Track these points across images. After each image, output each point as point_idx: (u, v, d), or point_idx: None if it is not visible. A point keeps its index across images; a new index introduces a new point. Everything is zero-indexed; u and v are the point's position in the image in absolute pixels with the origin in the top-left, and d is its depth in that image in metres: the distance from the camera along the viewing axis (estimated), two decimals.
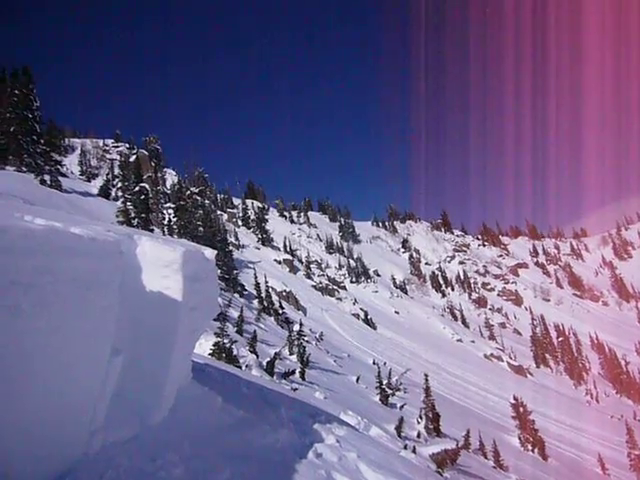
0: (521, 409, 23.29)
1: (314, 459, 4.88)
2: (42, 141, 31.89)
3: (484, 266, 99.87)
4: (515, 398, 23.96)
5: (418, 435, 14.04)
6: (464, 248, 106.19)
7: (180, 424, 4.36)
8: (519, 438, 21.84)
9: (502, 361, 56.10)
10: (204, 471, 3.75)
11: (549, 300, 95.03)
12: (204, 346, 12.43)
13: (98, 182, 41.20)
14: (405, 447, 9.88)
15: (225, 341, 13.07)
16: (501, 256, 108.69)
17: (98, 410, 3.41)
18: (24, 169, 29.84)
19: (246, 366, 12.80)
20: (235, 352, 13.34)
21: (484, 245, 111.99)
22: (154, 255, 4.25)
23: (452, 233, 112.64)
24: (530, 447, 21.30)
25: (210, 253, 5.05)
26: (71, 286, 2.92)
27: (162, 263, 4.22)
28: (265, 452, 4.67)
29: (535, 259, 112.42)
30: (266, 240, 58.69)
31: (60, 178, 31.77)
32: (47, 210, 4.54)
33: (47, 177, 29.83)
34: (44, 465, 2.83)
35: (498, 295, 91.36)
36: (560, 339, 70.10)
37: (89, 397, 3.27)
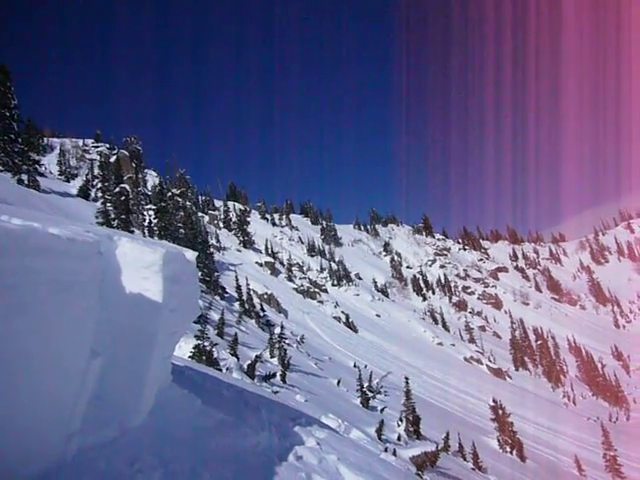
0: (500, 411, 23.51)
1: (294, 462, 4.87)
2: (20, 140, 31.44)
3: (465, 270, 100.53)
4: (494, 400, 24.20)
5: (398, 438, 14.10)
6: (445, 252, 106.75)
7: (159, 427, 4.32)
8: (498, 440, 22.03)
9: (482, 364, 56.48)
10: (183, 474, 3.72)
11: (528, 304, 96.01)
12: (184, 349, 12.36)
13: (77, 182, 40.70)
14: (385, 450, 9.91)
15: (206, 344, 13.02)
16: (481, 260, 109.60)
17: (75, 413, 3.36)
18: (1, 168, 29.39)
19: (227, 369, 12.75)
20: (216, 355, 13.29)
21: (465, 249, 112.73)
22: (134, 256, 4.21)
23: (433, 237, 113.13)
24: (508, 449, 21.51)
25: (191, 255, 5.02)
26: (49, 287, 2.88)
27: (142, 264, 4.18)
28: (245, 455, 4.65)
29: (515, 263, 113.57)
30: (247, 242, 58.46)
31: (38, 178, 31.37)
32: (24, 210, 4.48)
33: (25, 177, 29.43)
34: (18, 471, 2.78)
35: (478, 299, 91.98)
36: (539, 342, 70.88)
37: (66, 400, 3.22)
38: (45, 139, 53.97)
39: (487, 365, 56.61)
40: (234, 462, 4.35)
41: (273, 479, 4.22)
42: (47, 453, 3.06)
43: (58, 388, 3.09)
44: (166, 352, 4.90)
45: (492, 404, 24.09)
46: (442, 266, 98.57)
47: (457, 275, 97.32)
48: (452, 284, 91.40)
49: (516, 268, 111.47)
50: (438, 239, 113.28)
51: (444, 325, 70.12)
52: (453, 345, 59.95)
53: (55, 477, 2.99)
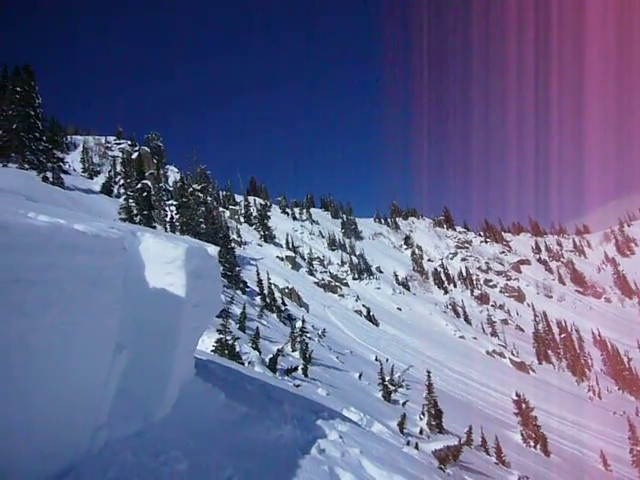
0: (523, 405, 23.30)
1: (317, 455, 4.89)
2: (44, 138, 31.95)
3: (486, 263, 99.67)
4: (517, 394, 23.97)
5: (420, 432, 14.07)
6: (466, 245, 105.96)
7: (183, 420, 4.37)
8: (521, 434, 21.85)
9: (504, 357, 56.05)
10: (207, 467, 3.76)
11: (551, 297, 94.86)
12: (207, 343, 12.45)
13: (100, 179, 41.22)
14: (408, 443, 9.91)
15: (228, 338, 13.09)
16: (503, 253, 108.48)
17: (102, 406, 3.42)
18: (26, 166, 29.91)
19: (249, 363, 12.82)
20: (238, 349, 13.36)
21: (486, 242, 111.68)
22: (157, 252, 4.26)
23: (454, 230, 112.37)
24: (532, 443, 21.32)
25: (213, 250, 5.06)
26: (75, 283, 2.92)
27: (165, 260, 4.22)
28: (268, 448, 4.68)
29: (537, 256, 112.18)
30: (268, 237, 58.67)
31: (62, 175, 31.87)
32: (50, 207, 4.55)
33: (49, 174, 29.91)
34: (48, 462, 2.84)
35: (500, 292, 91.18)
36: (562, 335, 70.03)
37: (93, 393, 3.29)
38: (68, 137, 54.68)
39: (510, 358, 56.16)
40: (258, 455, 4.39)
41: (296, 472, 4.25)
42: (75, 445, 3.12)
43: (85, 381, 3.15)
44: (189, 346, 4.96)
45: (515, 398, 23.87)
46: (463, 259, 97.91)
47: (479, 268, 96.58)
48: (474, 277, 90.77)
49: (539, 261, 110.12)
50: (459, 232, 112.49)
51: (466, 318, 69.72)
52: (475, 338, 59.59)
53: (84, 469, 3.06)
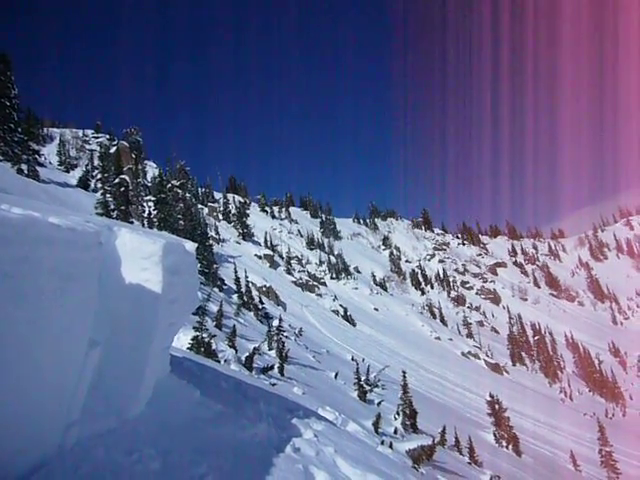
0: (497, 406, 23.58)
1: (292, 453, 4.89)
2: (20, 130, 31.33)
3: (463, 265, 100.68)
4: (491, 395, 24.25)
5: (395, 431, 14.13)
6: (444, 247, 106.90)
7: (158, 417, 4.33)
8: (494, 435, 22.10)
9: (479, 359, 56.70)
10: (181, 465, 3.73)
11: (526, 299, 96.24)
12: (182, 340, 12.39)
13: (77, 173, 40.70)
14: (382, 443, 9.95)
15: (204, 335, 13.03)
16: (480, 255, 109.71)
17: (74, 403, 3.36)
18: (1, 158, 29.32)
19: (225, 361, 12.77)
20: (214, 346, 13.31)
21: (464, 244, 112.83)
22: (134, 247, 4.21)
23: (432, 231, 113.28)
24: (505, 443, 21.58)
25: (190, 246, 5.02)
26: (49, 277, 2.87)
27: (142, 255, 4.18)
28: (243, 446, 4.66)
29: (514, 259, 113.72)
30: (247, 235, 58.50)
31: (38, 168, 31.34)
32: (24, 199, 4.47)
33: (24, 166, 29.38)
34: (18, 458, 2.79)
35: (477, 294, 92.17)
36: (536, 338, 71.12)
37: (65, 389, 3.23)
38: (45, 129, 53.89)
39: (484, 360, 56.82)
40: (232, 453, 4.37)
41: (271, 470, 4.24)
42: (46, 442, 3.07)
43: (57, 377, 3.09)
44: (165, 343, 4.91)
45: (489, 399, 24.14)
46: (441, 261, 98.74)
47: (456, 270, 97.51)
48: (451, 279, 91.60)
49: (515, 264, 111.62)
50: (437, 234, 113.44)
51: (442, 320, 70.34)
52: (451, 340, 60.16)
53: (55, 466, 3.00)
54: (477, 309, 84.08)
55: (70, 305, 3.11)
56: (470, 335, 66.48)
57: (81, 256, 3.21)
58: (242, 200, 65.08)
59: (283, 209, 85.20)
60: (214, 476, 3.72)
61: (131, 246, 4.22)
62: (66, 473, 3.01)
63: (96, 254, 3.42)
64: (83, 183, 36.77)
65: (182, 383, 5.33)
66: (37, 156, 33.36)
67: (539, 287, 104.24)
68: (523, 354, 67.21)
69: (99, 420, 3.75)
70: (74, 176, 39.16)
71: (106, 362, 3.85)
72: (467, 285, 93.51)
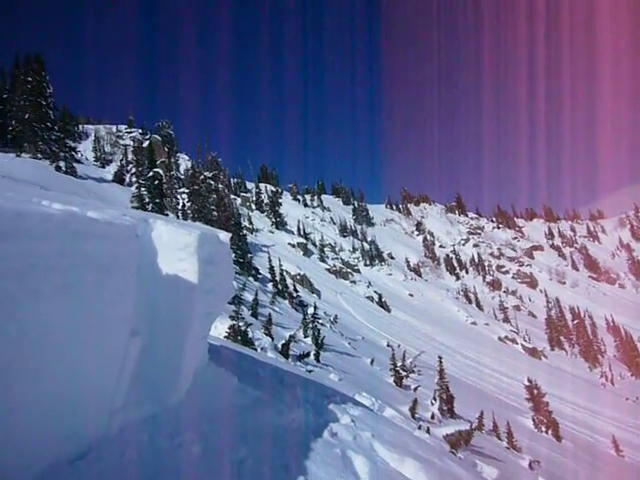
0: (535, 391, 23.26)
1: (330, 438, 4.95)
2: (56, 128, 32.10)
3: (498, 249, 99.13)
4: (529, 380, 23.93)
5: (432, 416, 14.10)
6: (478, 231, 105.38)
7: (197, 404, 4.44)
8: (533, 420, 21.83)
9: (516, 344, 55.92)
10: (221, 449, 3.83)
11: (564, 283, 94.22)
12: (219, 329, 12.56)
13: (112, 168, 41.50)
14: (419, 428, 9.96)
15: (240, 324, 13.20)
16: (516, 238, 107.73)
17: (118, 390, 3.49)
18: (39, 156, 30.11)
19: (261, 349, 12.92)
20: (250, 335, 13.46)
21: (499, 228, 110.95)
22: (170, 238, 4.30)
23: (466, 216, 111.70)
24: (544, 429, 21.30)
25: (225, 236, 5.10)
26: (89, 269, 2.97)
27: (178, 246, 4.27)
28: (281, 431, 4.75)
29: (550, 241, 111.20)
30: (280, 224, 58.78)
31: (75, 164, 32.09)
32: (63, 195, 4.60)
33: (62, 163, 30.12)
34: (68, 442, 2.91)
35: (513, 278, 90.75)
36: (575, 322, 69.63)
37: (109, 377, 3.36)
38: (80, 126, 54.87)
39: (522, 345, 56.03)
40: (271, 438, 4.46)
41: (309, 454, 4.31)
42: (93, 428, 3.20)
43: (101, 366, 3.21)
44: (202, 332, 5.02)
45: (527, 384, 23.82)
46: (475, 245, 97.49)
47: (491, 254, 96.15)
48: (486, 263, 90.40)
49: (552, 246, 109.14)
50: (471, 218, 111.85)
51: (478, 304, 69.59)
52: (487, 324, 59.50)
53: (102, 449, 3.13)
54: (513, 293, 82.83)
55: (110, 296, 3.21)
56: (507, 320, 65.62)
57: (119, 249, 3.31)
58: (274, 189, 65.22)
59: (315, 197, 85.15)
60: (253, 460, 3.80)
61: (167, 238, 4.31)
62: (113, 457, 3.13)
63: (133, 246, 3.52)
64: (118, 178, 37.51)
65: (220, 371, 5.44)
66: (74, 153, 34.12)
67: (577, 270, 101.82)
68: (562, 338, 66.00)
69: (142, 407, 3.87)
70: (109, 171, 39.96)
71: (146, 351, 3.96)
72: (503, 269, 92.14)
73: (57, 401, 2.78)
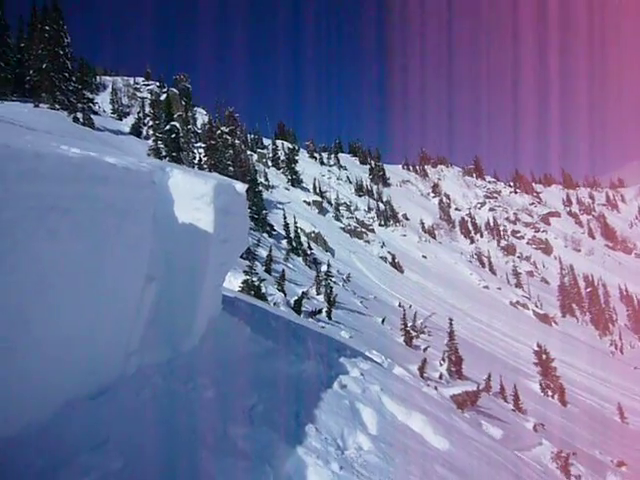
0: (544, 356, 23.38)
1: (339, 390, 5.04)
2: (74, 79, 31.94)
3: (515, 214, 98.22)
4: (538, 345, 24.03)
5: (440, 377, 14.27)
6: (495, 195, 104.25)
7: (211, 351, 4.54)
8: (540, 384, 22.01)
9: (528, 309, 55.98)
10: (233, 395, 3.93)
11: (580, 250, 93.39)
12: (233, 283, 12.69)
13: (129, 120, 41.37)
14: (427, 386, 10.10)
15: (254, 279, 13.31)
16: (533, 204, 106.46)
17: (134, 333, 3.57)
18: (57, 106, 30.04)
19: (274, 304, 13.05)
20: (263, 290, 13.59)
21: (516, 192, 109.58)
22: (186, 187, 4.32)
23: (484, 179, 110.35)
24: (551, 393, 21.50)
25: (241, 187, 5.10)
26: (107, 214, 3.00)
27: (194, 195, 4.28)
28: (292, 381, 4.85)
29: (568, 208, 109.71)
30: (296, 181, 58.56)
31: (92, 116, 32.00)
32: (82, 142, 4.61)
33: (80, 115, 30.04)
34: (85, 381, 3.00)
35: (528, 243, 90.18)
36: (588, 289, 69.33)
37: (125, 320, 3.43)
38: (97, 78, 54.54)
39: (533, 310, 56.08)
40: (281, 387, 4.56)
41: (319, 404, 4.40)
42: (110, 367, 3.28)
43: (117, 308, 3.28)
44: (217, 281, 5.08)
45: (536, 348, 23.95)
46: (492, 209, 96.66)
47: (507, 219, 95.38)
48: (501, 228, 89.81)
49: (569, 213, 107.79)
50: (489, 181, 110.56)
51: (491, 269, 69.48)
52: (499, 289, 59.50)
53: (118, 389, 3.23)
54: (527, 259, 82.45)
55: (127, 241, 3.25)
56: (519, 285, 65.53)
57: (136, 194, 3.32)
58: (291, 146, 64.64)
59: (332, 155, 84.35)
60: (264, 407, 3.89)
61: (183, 186, 4.33)
62: (129, 396, 3.22)
63: (150, 193, 3.54)
64: (135, 130, 37.44)
65: (234, 320, 5.53)
66: (91, 104, 34.07)
67: (594, 238, 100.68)
68: (574, 306, 65.88)
69: (156, 351, 3.96)
70: (127, 124, 39.85)
71: (161, 298, 4.03)
72: (518, 234, 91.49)
73: (75, 340, 2.85)
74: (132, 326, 3.53)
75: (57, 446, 2.50)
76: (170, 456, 2.81)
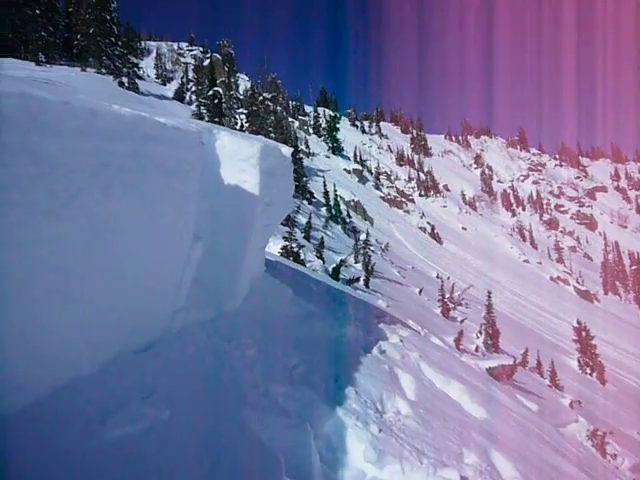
0: (583, 333, 23.01)
1: (378, 355, 5.09)
2: (119, 43, 32.12)
3: (559, 187, 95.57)
4: (578, 322, 23.63)
5: (476, 349, 14.23)
6: (539, 167, 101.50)
7: (253, 311, 4.62)
8: (578, 361, 21.72)
9: (569, 285, 54.86)
10: (275, 355, 4.01)
11: (626, 227, 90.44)
12: (273, 249, 12.82)
13: (173, 86, 41.65)
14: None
15: (293, 245, 13.43)
16: (579, 178, 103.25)
17: (180, 291, 3.66)
18: (103, 71, 30.39)
19: (313, 270, 13.16)
20: (302, 256, 13.71)
21: (561, 165, 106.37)
22: (233, 149, 4.35)
23: (528, 151, 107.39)
24: (589, 371, 21.21)
25: (287, 150, 5.11)
26: (157, 172, 3.05)
27: (240, 157, 4.31)
28: (332, 344, 4.91)
29: (616, 183, 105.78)
30: (336, 149, 58.24)
31: (137, 81, 32.29)
32: (129, 103, 4.68)
33: (125, 79, 30.36)
34: (132, 336, 3.09)
35: (571, 218, 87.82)
36: (633, 267, 67.28)
37: (172, 278, 3.51)
38: (142, 43, 54.79)
39: (574, 286, 54.92)
40: (322, 349, 4.63)
41: (358, 367, 4.46)
42: (156, 325, 3.38)
43: (165, 266, 3.35)
44: (261, 243, 5.15)
45: (576, 325, 23.56)
46: (535, 182, 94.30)
47: (550, 192, 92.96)
48: (544, 201, 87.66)
49: (617, 189, 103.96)
50: (533, 154, 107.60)
51: (532, 243, 68.18)
52: (540, 263, 58.41)
53: (165, 344, 3.33)
54: (570, 234, 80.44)
55: (176, 200, 3.30)
56: (561, 260, 64.18)
57: (185, 154, 3.36)
58: (332, 114, 64.02)
59: (373, 124, 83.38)
60: (305, 367, 3.97)
61: (230, 148, 4.36)
62: (175, 351, 3.32)
63: (198, 153, 3.57)
64: (179, 95, 37.70)
65: (276, 282, 5.61)
66: (136, 69, 34.28)
67: None
68: (617, 283, 64.21)
69: (201, 310, 4.06)
70: (170, 89, 40.15)
71: (207, 257, 4.10)
72: (562, 209, 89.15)
73: (125, 295, 2.93)
74: (179, 284, 3.62)
75: (107, 396, 2.60)
76: (214, 410, 2.90)
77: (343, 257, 16.60)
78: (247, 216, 4.38)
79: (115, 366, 2.85)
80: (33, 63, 25.86)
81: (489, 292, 17.76)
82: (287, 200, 5.43)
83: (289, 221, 14.23)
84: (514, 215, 79.16)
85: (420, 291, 18.98)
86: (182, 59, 54.37)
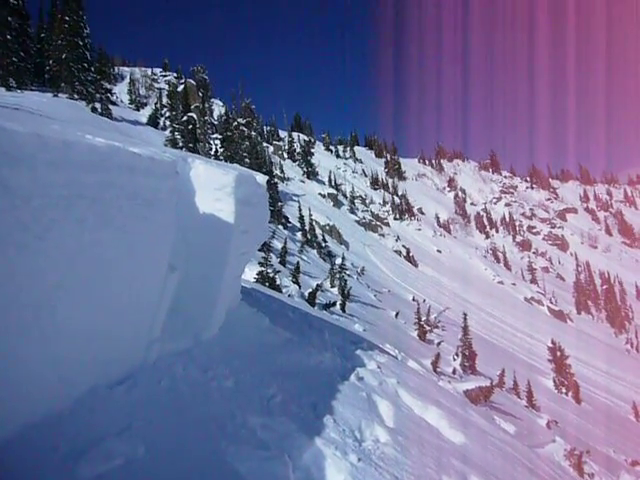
0: (558, 353, 23.25)
1: (356, 382, 5.07)
2: (92, 69, 32.01)
3: (531, 209, 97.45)
4: (553, 342, 23.90)
5: (453, 371, 14.27)
6: (511, 190, 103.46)
7: (230, 341, 4.58)
8: (554, 381, 21.91)
9: (542, 305, 55.62)
10: (252, 384, 3.96)
11: (596, 247, 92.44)
12: (248, 275, 12.75)
13: (147, 111, 41.61)
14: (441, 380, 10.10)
15: (269, 271, 13.38)
16: (549, 200, 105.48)
17: (156, 321, 3.62)
18: (76, 96, 30.22)
19: (288, 296, 13.10)
20: (278, 282, 13.65)
21: (532, 188, 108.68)
22: (208, 178, 4.35)
23: (500, 174, 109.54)
24: (564, 390, 21.39)
25: (262, 178, 5.13)
26: (132, 202, 3.03)
27: (215, 186, 4.31)
28: (310, 372, 4.88)
29: (585, 204, 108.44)
30: (311, 174, 58.54)
31: (110, 106, 32.14)
32: (102, 132, 4.65)
33: (98, 105, 30.20)
34: (106, 369, 3.04)
35: (543, 239, 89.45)
36: (604, 287, 68.66)
37: (147, 308, 3.47)
38: (115, 68, 54.77)
39: (548, 306, 55.71)
40: (300, 377, 4.59)
41: (336, 395, 4.43)
42: (131, 356, 3.33)
43: (140, 297, 3.31)
44: (237, 271, 5.13)
45: (550, 345, 23.82)
46: (507, 204, 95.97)
47: (523, 214, 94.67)
48: (517, 223, 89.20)
49: (586, 210, 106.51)
50: (505, 176, 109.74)
51: (506, 264, 69.13)
52: (514, 284, 59.16)
53: (140, 377, 3.28)
54: (543, 255, 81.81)
55: (151, 230, 3.28)
56: (534, 281, 65.12)
57: (160, 184, 3.35)
58: (307, 139, 64.53)
59: (348, 148, 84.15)
60: (283, 397, 3.93)
61: (205, 177, 4.36)
62: (150, 384, 3.27)
63: (173, 183, 3.56)
64: (153, 121, 37.62)
65: (252, 311, 5.58)
66: (109, 95, 34.14)
67: (611, 235, 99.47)
68: (589, 303, 65.38)
69: (177, 340, 4.01)
70: (144, 114, 40.09)
71: (183, 287, 4.07)
72: (534, 230, 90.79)
73: (99, 327, 2.88)
74: (154, 315, 3.58)
75: (82, 431, 2.55)
76: (191, 444, 2.84)
77: (319, 282, 16.57)
78: (223, 245, 4.37)
79: (89, 401, 2.79)
80: (4, 88, 25.64)
81: (465, 314, 17.86)
82: (263, 228, 5.44)
83: (265, 246, 14.18)
84: (488, 237, 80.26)
85: (396, 314, 19.01)
86: (156, 84, 54.41)
